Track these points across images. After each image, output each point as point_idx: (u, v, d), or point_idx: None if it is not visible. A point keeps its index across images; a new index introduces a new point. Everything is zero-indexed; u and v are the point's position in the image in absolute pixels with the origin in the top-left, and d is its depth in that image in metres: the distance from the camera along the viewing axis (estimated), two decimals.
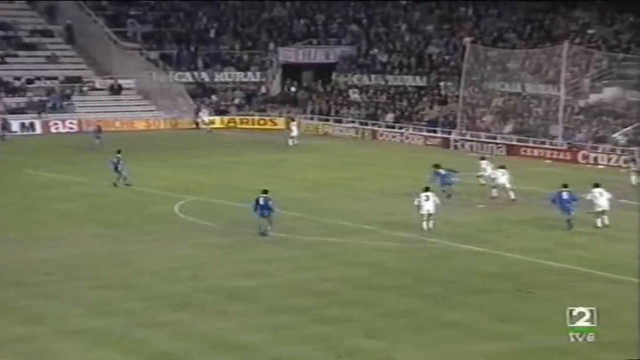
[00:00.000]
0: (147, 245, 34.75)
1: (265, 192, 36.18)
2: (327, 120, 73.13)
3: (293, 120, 66.80)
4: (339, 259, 32.69)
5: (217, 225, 38.10)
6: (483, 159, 47.65)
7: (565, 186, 38.00)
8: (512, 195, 43.72)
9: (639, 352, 20.57)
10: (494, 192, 44.19)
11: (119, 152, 47.18)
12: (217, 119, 75.34)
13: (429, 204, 36.48)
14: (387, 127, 70.40)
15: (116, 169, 46.46)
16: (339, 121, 72.71)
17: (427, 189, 37.41)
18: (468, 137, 64.46)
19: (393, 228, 37.45)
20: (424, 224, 36.45)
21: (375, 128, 70.26)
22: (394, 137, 68.51)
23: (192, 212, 40.51)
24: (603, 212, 37.20)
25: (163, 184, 47.50)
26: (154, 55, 79.50)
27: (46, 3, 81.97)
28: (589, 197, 37.64)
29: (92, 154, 57.23)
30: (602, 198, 37.22)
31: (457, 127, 65.70)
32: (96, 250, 33.98)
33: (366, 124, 71.16)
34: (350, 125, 71.69)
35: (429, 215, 36.45)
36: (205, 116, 73.56)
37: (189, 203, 42.75)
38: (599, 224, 37.21)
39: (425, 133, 67.21)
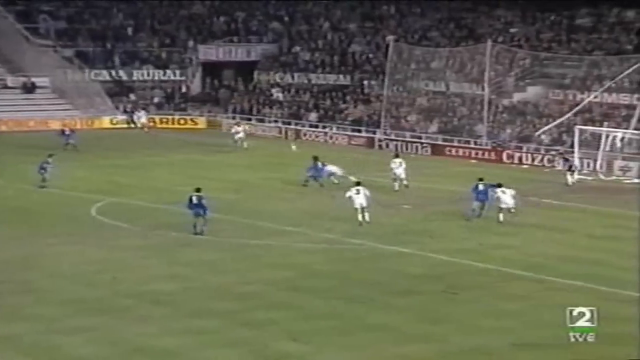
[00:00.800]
0: (62, 248, 33.66)
1: (198, 190, 35.56)
2: (249, 119, 72.11)
3: (239, 124, 64.74)
4: (263, 262, 32.12)
5: (137, 228, 37.20)
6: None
7: (481, 179, 39.15)
8: (401, 185, 44.99)
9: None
10: (396, 186, 45.07)
11: (50, 155, 46.09)
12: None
13: (360, 197, 37.40)
14: (311, 126, 69.77)
15: (42, 171, 45.08)
16: (262, 120, 71.84)
17: (357, 184, 38.29)
18: (393, 137, 64.10)
19: (318, 229, 36.97)
20: (359, 217, 37.10)
21: (299, 128, 69.55)
22: (317, 136, 67.88)
23: (111, 214, 39.52)
24: (508, 210, 38.03)
25: (80, 185, 46.37)
26: (68, 52, 77.75)
27: None
28: (496, 194, 38.37)
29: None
30: (505, 195, 38.06)
31: (381, 126, 65.31)
32: (6, 253, 32.73)
33: (289, 124, 70.42)
34: (273, 124, 70.87)
35: (362, 208, 37.27)
36: (143, 118, 71.70)
37: (107, 204, 41.73)
38: (501, 218, 38.02)
39: (349, 133, 66.71)
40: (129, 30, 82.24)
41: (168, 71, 79.42)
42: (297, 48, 79.75)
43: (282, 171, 52.15)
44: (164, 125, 73.19)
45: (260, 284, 29.05)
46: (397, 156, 47.11)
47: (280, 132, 69.60)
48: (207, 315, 25.82)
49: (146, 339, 23.90)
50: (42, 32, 79.45)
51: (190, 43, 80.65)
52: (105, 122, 72.70)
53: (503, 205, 37.92)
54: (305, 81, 75.78)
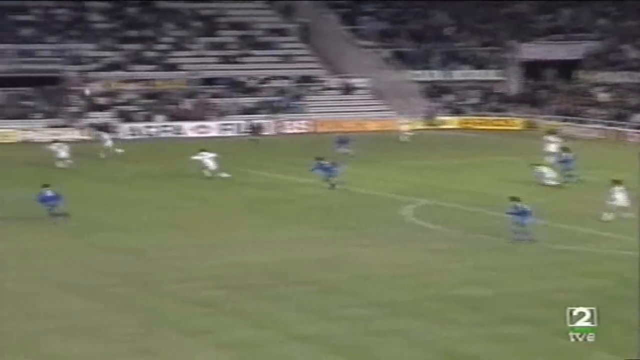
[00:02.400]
0: (372, 250, 33.58)
1: (517, 199, 34.39)
2: (567, 120, 69.90)
3: (553, 133, 56.13)
4: (575, 268, 30.71)
5: (448, 230, 36.65)
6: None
7: None
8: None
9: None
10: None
11: (318, 159, 45.73)
12: (450, 119, 74.02)
13: (621, 198, 36.78)
14: (637, 128, 66.62)
15: (327, 170, 44.92)
16: (582, 122, 69.45)
17: (617, 182, 37.27)
18: None
19: (629, 234, 34.54)
20: (607, 216, 36.73)
21: (623, 129, 66.62)
22: None
23: (421, 216, 39.20)
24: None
25: (386, 185, 46.43)
26: (386, 53, 78.67)
27: (284, 2, 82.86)
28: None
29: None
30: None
31: None
32: (312, 254, 33.08)
33: (613, 125, 67.61)
34: (594, 126, 68.36)
35: (621, 207, 36.63)
36: (404, 125, 66.80)
37: (417, 206, 41.37)
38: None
39: None
40: (449, 30, 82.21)
41: (486, 71, 78.76)
42: (625, 45, 76.59)
43: (597, 174, 49.33)
44: (479, 127, 72.57)
45: (573, 292, 27.57)
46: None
47: (602, 134, 67.08)
48: (517, 322, 25.00)
49: (455, 343, 23.44)
50: (364, 33, 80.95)
51: (511, 42, 79.49)
52: (419, 123, 72.36)
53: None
54: (633, 80, 72.59)
